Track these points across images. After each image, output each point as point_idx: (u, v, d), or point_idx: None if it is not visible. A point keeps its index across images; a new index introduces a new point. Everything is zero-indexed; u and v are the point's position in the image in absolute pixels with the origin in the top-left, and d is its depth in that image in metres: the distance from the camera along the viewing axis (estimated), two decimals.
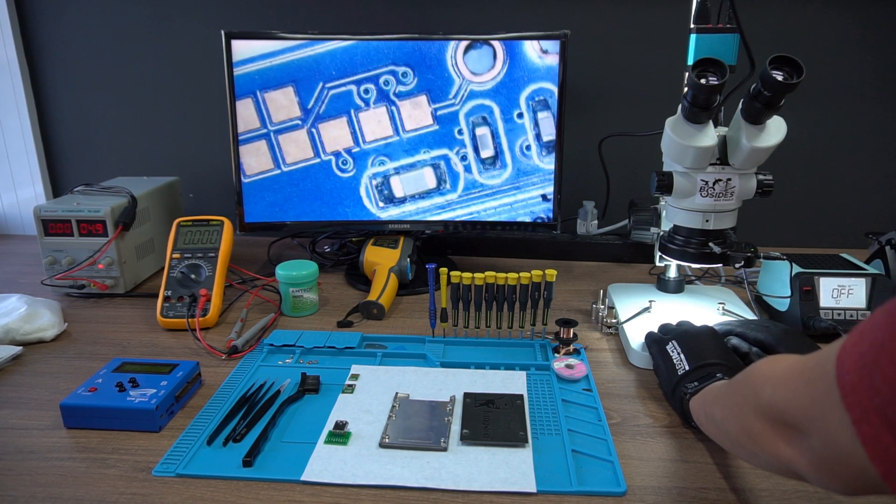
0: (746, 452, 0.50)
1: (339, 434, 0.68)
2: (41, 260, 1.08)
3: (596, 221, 1.34)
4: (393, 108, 1.12)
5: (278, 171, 1.14)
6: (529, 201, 1.15)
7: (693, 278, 1.15)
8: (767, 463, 0.47)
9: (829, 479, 0.40)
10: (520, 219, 1.16)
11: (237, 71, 1.09)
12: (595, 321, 0.98)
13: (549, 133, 1.12)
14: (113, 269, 1.08)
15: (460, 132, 1.12)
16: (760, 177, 0.85)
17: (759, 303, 1.03)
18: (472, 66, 1.10)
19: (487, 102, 1.11)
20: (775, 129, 0.80)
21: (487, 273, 0.87)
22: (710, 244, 0.86)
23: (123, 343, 0.93)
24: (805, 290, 0.93)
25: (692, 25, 0.88)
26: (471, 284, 0.87)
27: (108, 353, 0.89)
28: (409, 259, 1.12)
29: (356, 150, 1.14)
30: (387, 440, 0.67)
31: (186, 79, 1.39)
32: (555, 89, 1.10)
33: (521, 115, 1.11)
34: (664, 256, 0.94)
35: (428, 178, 1.15)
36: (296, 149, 1.13)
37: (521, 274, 0.87)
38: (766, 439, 0.45)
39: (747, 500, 0.59)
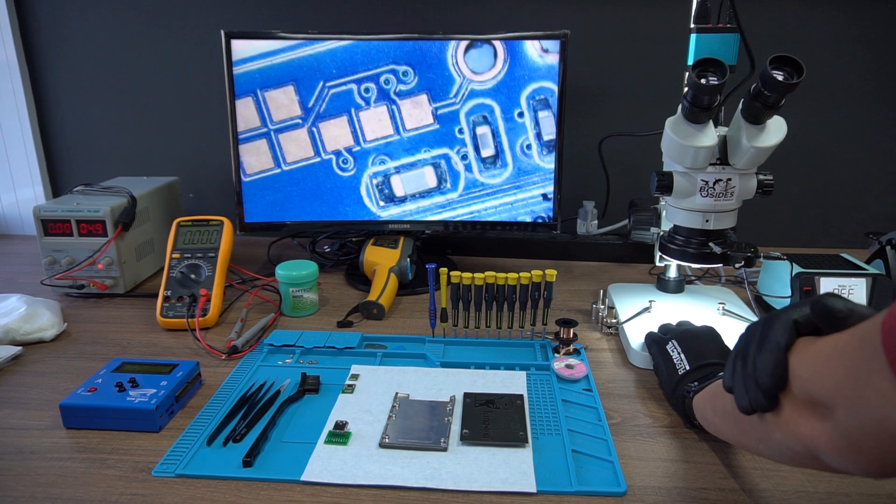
0: (756, 437, 0.47)
1: (339, 434, 0.68)
2: (41, 260, 1.08)
3: (596, 221, 1.34)
4: (393, 107, 1.12)
5: (278, 171, 1.14)
6: (530, 200, 1.15)
7: (693, 278, 1.15)
8: (780, 446, 0.44)
9: (856, 456, 0.37)
10: (520, 218, 1.16)
11: (237, 70, 1.09)
12: (595, 321, 0.98)
13: (549, 132, 1.12)
14: (113, 269, 1.08)
15: (461, 131, 1.12)
16: (761, 177, 0.85)
17: (759, 303, 1.03)
18: (473, 65, 1.09)
19: (488, 101, 1.11)
20: (775, 129, 0.80)
21: (487, 273, 0.87)
22: (711, 244, 0.86)
23: (123, 343, 0.93)
24: (805, 291, 0.93)
25: (692, 25, 0.88)
26: (471, 284, 0.87)
27: (107, 353, 0.89)
28: (409, 259, 1.12)
29: (357, 149, 1.14)
30: (387, 440, 0.67)
31: (186, 79, 1.39)
32: (555, 88, 1.09)
33: (521, 115, 1.11)
34: (664, 256, 0.94)
35: (428, 178, 1.15)
36: (296, 148, 1.13)
37: (521, 274, 0.86)
38: (785, 417, 0.43)
39: (747, 500, 0.59)
